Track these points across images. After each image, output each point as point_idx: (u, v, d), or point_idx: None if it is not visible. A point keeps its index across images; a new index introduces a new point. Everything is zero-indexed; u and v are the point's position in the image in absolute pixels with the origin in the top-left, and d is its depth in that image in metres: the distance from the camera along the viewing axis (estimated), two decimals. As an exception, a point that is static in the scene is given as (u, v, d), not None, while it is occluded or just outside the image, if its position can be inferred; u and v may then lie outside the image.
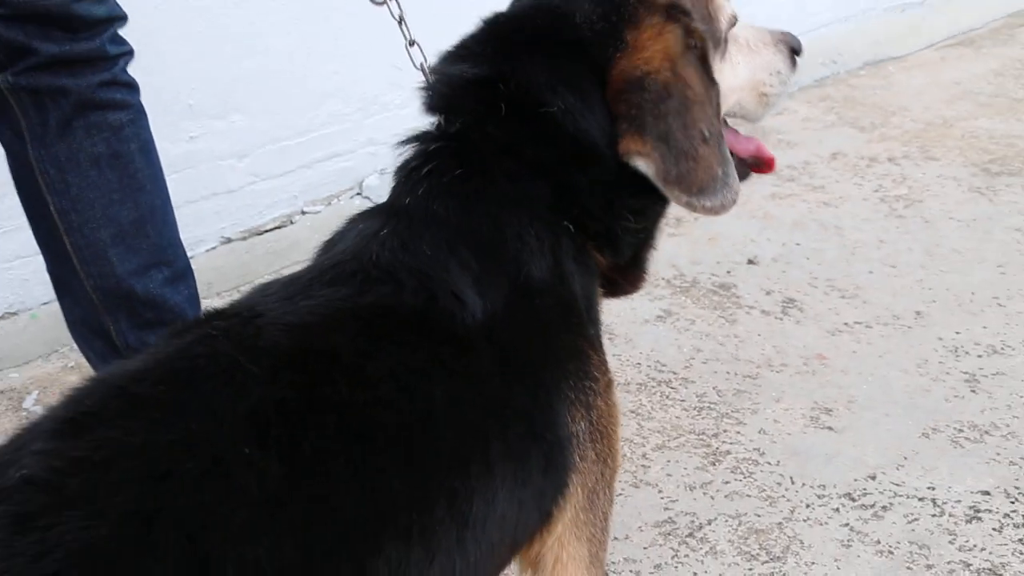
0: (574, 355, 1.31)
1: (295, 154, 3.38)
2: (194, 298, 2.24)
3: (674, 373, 2.72)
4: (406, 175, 1.37)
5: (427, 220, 1.28)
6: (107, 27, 1.99)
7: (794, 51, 1.63)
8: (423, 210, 1.30)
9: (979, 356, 2.76)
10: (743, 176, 1.61)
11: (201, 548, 0.93)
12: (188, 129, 3.11)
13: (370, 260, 1.23)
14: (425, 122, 1.41)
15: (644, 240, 1.49)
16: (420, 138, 1.39)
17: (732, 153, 1.57)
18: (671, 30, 1.34)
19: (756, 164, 1.65)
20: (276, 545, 0.97)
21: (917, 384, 2.65)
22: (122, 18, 2.04)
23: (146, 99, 2.89)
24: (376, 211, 1.36)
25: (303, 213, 3.45)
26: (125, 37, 2.07)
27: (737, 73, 1.55)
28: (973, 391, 2.61)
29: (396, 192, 1.37)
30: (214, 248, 3.26)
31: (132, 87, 2.09)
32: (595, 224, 1.38)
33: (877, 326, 2.91)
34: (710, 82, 1.37)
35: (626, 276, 1.50)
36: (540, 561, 1.34)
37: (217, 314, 1.18)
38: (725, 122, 1.59)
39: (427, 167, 1.34)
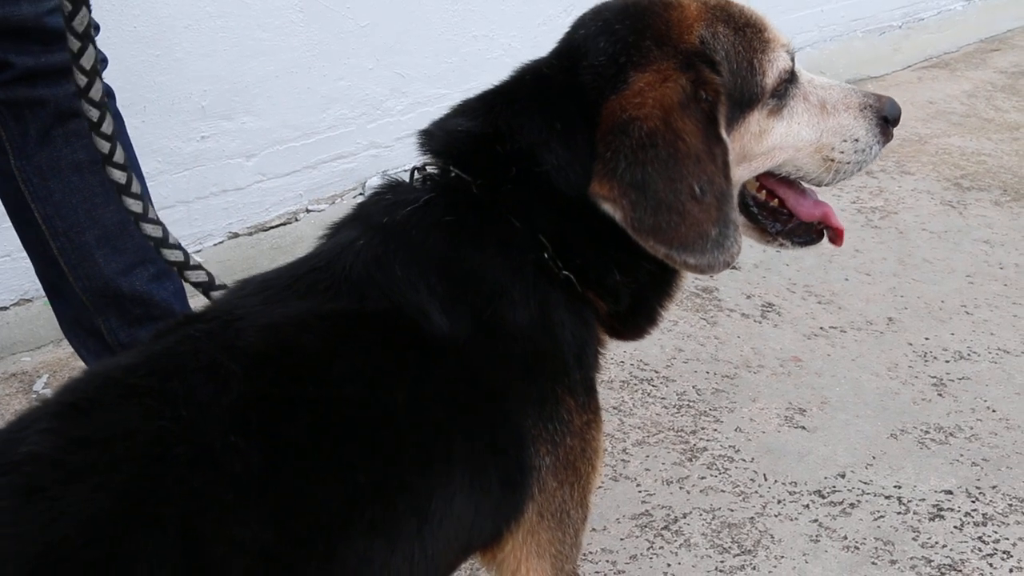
0: (538, 400, 1.24)
1: (301, 155, 3.35)
2: (180, 292, 2.18)
3: (656, 372, 2.68)
4: (391, 202, 1.29)
5: (403, 244, 1.23)
6: None
7: (886, 120, 1.43)
8: (400, 233, 1.24)
9: (946, 361, 2.72)
10: (810, 241, 1.47)
11: (193, 526, 0.96)
12: (200, 129, 3.07)
13: (343, 271, 1.20)
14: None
15: (645, 290, 1.36)
16: (417, 173, 1.33)
17: (796, 216, 1.46)
18: (676, 79, 1.23)
19: (825, 232, 1.45)
20: (259, 528, 0.99)
21: (887, 387, 2.62)
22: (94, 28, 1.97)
23: (161, 100, 2.89)
24: (351, 223, 1.31)
25: (307, 211, 3.41)
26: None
27: (792, 131, 1.39)
28: (940, 395, 2.58)
29: (374, 208, 1.30)
30: (221, 242, 3.22)
31: (108, 94, 1.99)
32: (592, 273, 1.29)
33: (851, 331, 2.88)
34: (715, 139, 1.24)
35: (626, 324, 1.38)
36: (501, 569, 1.30)
37: (198, 317, 1.19)
38: (795, 182, 1.45)
39: (412, 206, 1.26)
